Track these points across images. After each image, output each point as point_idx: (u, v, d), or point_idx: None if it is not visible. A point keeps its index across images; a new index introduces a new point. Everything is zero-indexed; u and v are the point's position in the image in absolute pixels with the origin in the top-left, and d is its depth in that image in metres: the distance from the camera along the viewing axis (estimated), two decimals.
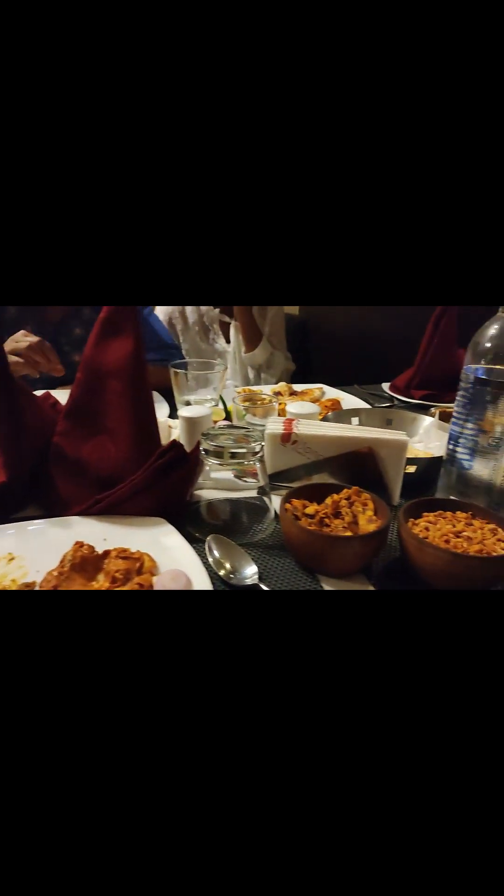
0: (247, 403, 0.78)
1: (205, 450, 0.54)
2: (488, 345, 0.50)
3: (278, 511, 0.51)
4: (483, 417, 0.51)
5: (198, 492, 0.59)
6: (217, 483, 0.60)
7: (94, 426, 0.58)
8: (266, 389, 1.00)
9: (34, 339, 0.89)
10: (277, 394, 0.97)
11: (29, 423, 0.56)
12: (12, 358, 0.87)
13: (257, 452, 0.53)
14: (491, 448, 0.52)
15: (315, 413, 0.70)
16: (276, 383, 1.03)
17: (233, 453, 0.53)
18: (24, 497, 0.57)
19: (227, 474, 0.59)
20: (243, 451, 0.53)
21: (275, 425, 0.61)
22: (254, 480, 0.57)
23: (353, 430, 0.60)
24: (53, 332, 1.08)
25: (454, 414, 0.54)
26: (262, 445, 0.55)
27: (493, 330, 0.50)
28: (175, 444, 0.54)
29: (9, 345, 0.88)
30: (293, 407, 0.71)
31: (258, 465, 0.56)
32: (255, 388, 1.02)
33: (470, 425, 0.52)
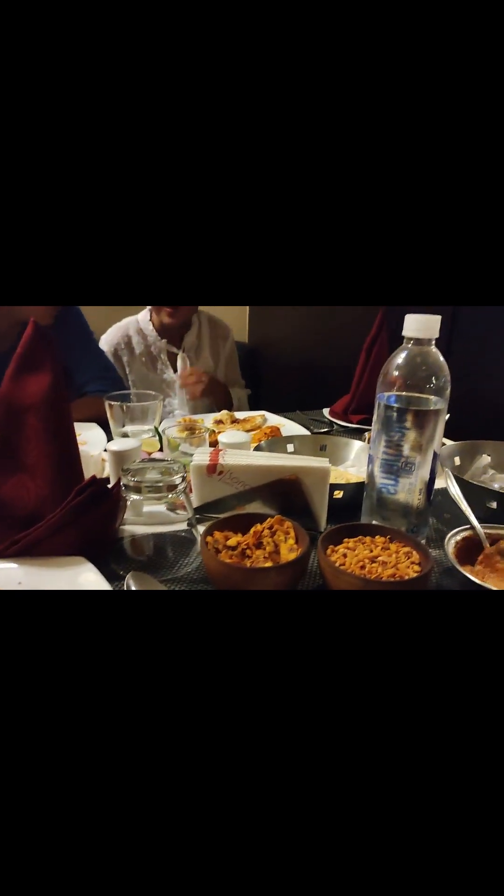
0: (184, 434, 0.78)
1: (125, 485, 0.53)
2: (396, 373, 0.52)
3: None
4: (395, 442, 0.53)
5: (128, 527, 0.58)
6: (150, 517, 0.59)
7: (13, 464, 0.56)
8: (208, 419, 1.00)
9: None
10: (219, 422, 0.97)
11: None
12: None
13: (176, 485, 0.53)
14: (404, 471, 0.53)
15: (245, 442, 0.70)
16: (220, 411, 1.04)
17: (150, 487, 0.52)
18: None
19: (160, 507, 0.58)
20: (160, 485, 0.52)
21: (201, 456, 0.60)
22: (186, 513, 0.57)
23: (278, 459, 0.61)
24: None
25: (371, 439, 0.56)
26: (184, 478, 0.54)
27: (399, 359, 0.52)
28: (95, 480, 0.53)
29: None
30: (224, 436, 0.71)
31: (182, 497, 0.55)
32: (196, 417, 1.02)
33: (384, 450, 0.54)
